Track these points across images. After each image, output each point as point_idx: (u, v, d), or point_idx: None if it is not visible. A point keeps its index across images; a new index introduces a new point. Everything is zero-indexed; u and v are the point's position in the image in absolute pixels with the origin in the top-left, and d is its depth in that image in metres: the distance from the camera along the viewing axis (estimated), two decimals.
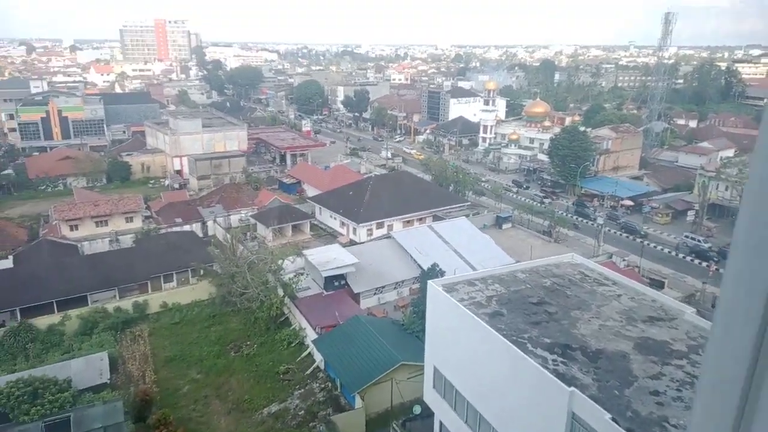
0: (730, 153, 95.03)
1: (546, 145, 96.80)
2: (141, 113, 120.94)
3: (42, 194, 79.89)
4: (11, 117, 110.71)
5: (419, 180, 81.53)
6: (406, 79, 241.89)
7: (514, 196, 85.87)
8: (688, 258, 59.95)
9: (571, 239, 64.53)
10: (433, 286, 31.28)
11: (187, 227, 64.31)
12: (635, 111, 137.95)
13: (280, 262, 48.15)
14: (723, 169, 74.52)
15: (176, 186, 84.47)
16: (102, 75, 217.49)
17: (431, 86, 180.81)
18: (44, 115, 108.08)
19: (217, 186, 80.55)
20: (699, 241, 61.86)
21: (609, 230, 66.46)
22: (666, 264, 57.39)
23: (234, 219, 67.87)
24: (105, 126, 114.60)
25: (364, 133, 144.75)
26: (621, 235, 67.35)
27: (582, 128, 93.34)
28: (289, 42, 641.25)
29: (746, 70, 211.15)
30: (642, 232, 66.95)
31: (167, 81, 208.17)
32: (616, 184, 78.65)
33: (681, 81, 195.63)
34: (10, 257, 51.08)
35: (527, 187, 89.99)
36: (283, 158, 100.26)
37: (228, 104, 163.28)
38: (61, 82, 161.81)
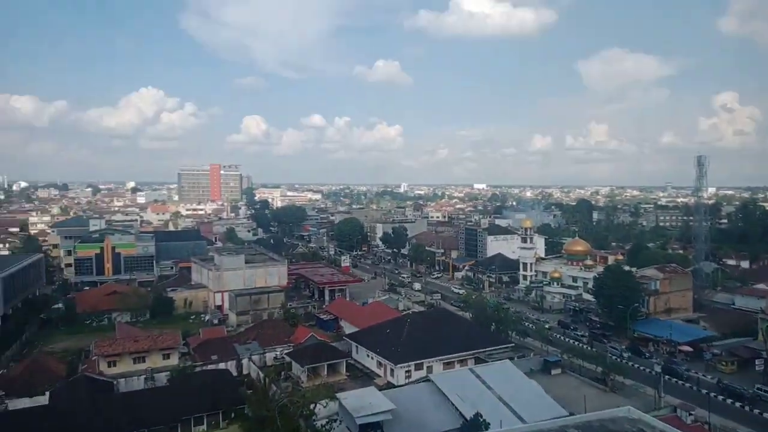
0: None
1: (590, 284, 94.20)
2: (189, 250, 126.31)
3: (87, 329, 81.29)
4: (69, 253, 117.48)
5: (459, 318, 79.35)
6: (444, 217, 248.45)
7: (561, 338, 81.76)
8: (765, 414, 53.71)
9: (627, 388, 59.45)
10: None
11: (222, 365, 63.06)
12: (680, 251, 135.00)
13: (312, 406, 45.70)
14: None
15: (215, 322, 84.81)
16: (158, 214, 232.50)
17: (468, 223, 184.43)
18: (99, 251, 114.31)
19: (255, 322, 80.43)
20: None
21: (670, 379, 61.21)
22: (740, 421, 51.43)
23: (269, 357, 66.43)
24: (155, 262, 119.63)
25: (403, 269, 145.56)
26: (684, 385, 61.72)
27: (626, 268, 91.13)
28: (332, 183, 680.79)
29: None
30: (746, 395, 57.12)
31: (217, 219, 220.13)
32: (671, 327, 74.18)
33: (725, 221, 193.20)
34: (47, 393, 50.59)
35: (575, 329, 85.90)
36: (321, 294, 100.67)
37: (272, 241, 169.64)
38: (119, 221, 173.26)
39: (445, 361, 64.08)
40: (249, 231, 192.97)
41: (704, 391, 56.90)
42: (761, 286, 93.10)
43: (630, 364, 68.06)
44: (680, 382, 62.12)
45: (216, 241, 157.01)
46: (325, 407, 47.58)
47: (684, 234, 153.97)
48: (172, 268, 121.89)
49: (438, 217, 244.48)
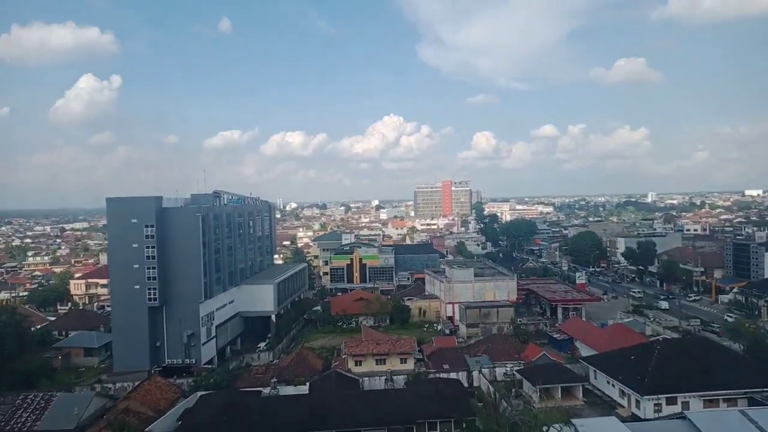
0: None
1: None
2: (423, 262, 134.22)
3: (338, 329, 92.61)
4: (326, 263, 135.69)
5: (725, 349, 66.67)
6: (704, 230, 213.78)
7: None
8: None
9: None
10: None
11: (453, 375, 64.77)
12: None
13: (546, 429, 43.47)
14: None
15: (447, 332, 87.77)
16: (397, 229, 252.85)
17: (738, 237, 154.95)
18: (349, 262, 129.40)
19: (484, 335, 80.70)
20: None
21: None
22: None
23: (499, 371, 65.67)
24: (394, 272, 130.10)
25: (649, 289, 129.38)
26: None
27: None
28: (566, 195, 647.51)
29: None
30: None
31: (448, 233, 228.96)
32: None
33: None
34: (307, 384, 58.99)
35: None
36: (553, 311, 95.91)
37: (501, 255, 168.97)
38: (365, 235, 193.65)
39: (707, 398, 54.49)
40: (478, 245, 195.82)
41: None
42: None
43: None
44: None
45: (447, 254, 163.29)
46: (558, 431, 44.91)
47: None
48: (408, 278, 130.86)
49: (695, 230, 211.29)
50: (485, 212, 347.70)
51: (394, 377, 63.72)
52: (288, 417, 49.60)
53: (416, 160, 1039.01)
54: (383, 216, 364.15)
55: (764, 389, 54.40)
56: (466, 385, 63.11)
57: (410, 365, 68.63)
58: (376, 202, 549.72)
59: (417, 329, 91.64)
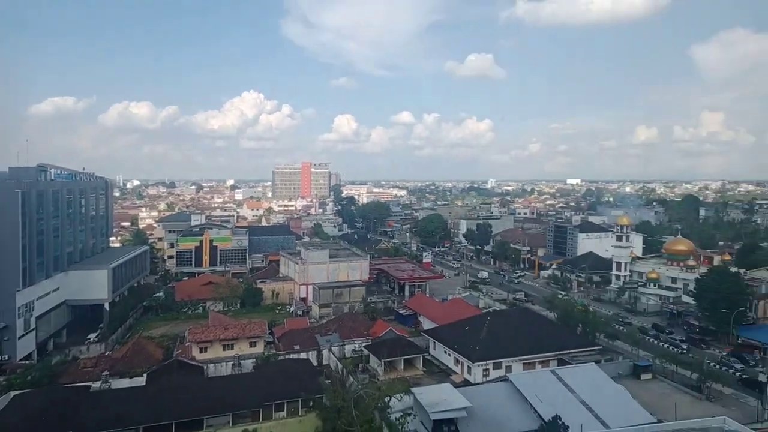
0: None
1: (691, 286, 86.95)
2: (279, 244, 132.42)
3: (183, 316, 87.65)
4: (171, 246, 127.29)
5: (543, 318, 76.42)
6: (532, 213, 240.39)
7: (654, 341, 76.23)
8: None
9: (726, 398, 54.24)
10: None
11: (304, 355, 65.38)
12: None
13: (387, 399, 46.05)
14: None
15: (299, 313, 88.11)
16: (252, 210, 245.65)
17: (558, 220, 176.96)
18: (198, 244, 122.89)
19: (336, 314, 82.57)
20: None
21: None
22: None
23: (348, 349, 67.90)
24: (247, 255, 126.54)
25: (486, 266, 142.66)
26: None
27: (734, 269, 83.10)
28: (419, 179, 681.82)
29: None
30: None
31: (306, 215, 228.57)
32: None
33: None
34: (144, 375, 55.18)
35: (670, 332, 79.74)
36: (401, 289, 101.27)
37: (356, 236, 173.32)
38: (217, 216, 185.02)
39: (526, 361, 62.07)
40: (335, 226, 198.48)
41: None
42: None
43: (729, 370, 62.21)
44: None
45: (304, 235, 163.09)
46: (399, 401, 47.82)
47: None
48: (262, 260, 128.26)
49: (526, 214, 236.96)
50: (343, 194, 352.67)
51: (242, 362, 62.47)
52: (122, 411, 46.07)
53: (276, 140, 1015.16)
54: (239, 196, 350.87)
55: (571, 351, 63.43)
56: (316, 364, 64.12)
57: (260, 348, 67.74)
58: (231, 182, 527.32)
59: (269, 312, 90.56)
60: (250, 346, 67.66)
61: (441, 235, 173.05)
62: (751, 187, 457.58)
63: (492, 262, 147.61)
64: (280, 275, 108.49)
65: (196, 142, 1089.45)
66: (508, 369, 60.26)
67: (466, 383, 57.27)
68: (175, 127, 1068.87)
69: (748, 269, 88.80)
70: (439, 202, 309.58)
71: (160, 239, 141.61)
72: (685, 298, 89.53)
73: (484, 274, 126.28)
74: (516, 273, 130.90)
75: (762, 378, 54.14)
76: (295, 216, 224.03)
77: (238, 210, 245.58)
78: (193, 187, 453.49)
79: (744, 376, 60.01)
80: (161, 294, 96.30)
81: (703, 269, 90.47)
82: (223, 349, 66.14)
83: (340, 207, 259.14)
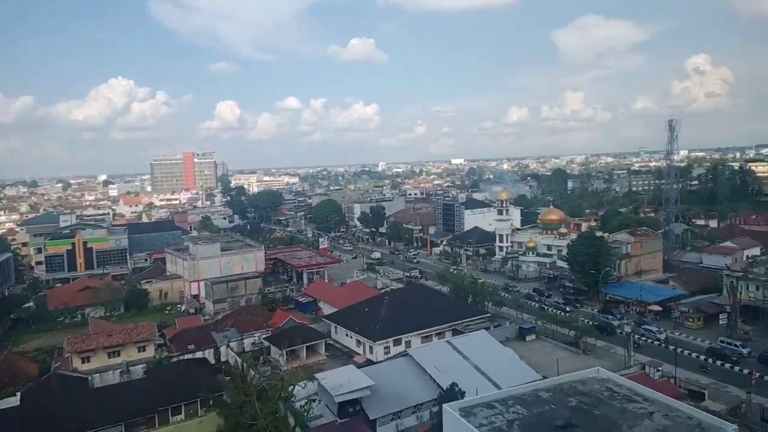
0: (756, 251, 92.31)
1: (564, 252, 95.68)
2: (164, 241, 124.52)
3: (60, 326, 79.88)
4: (39, 251, 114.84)
5: (437, 293, 79.97)
6: (422, 194, 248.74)
7: (536, 305, 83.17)
8: (728, 365, 55.63)
9: (600, 350, 60.88)
10: (449, 410, 29.08)
11: (199, 354, 62.62)
12: (652, 214, 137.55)
13: (291, 388, 45.78)
14: (750, 269, 71.79)
15: (192, 311, 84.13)
16: (130, 206, 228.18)
17: (446, 199, 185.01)
18: (70, 247, 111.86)
19: (232, 309, 80.00)
20: (736, 345, 57.83)
21: (640, 338, 62.85)
22: (704, 373, 53.21)
23: (247, 343, 66.23)
24: (128, 255, 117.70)
25: (381, 248, 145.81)
26: (652, 342, 63.49)
27: (599, 233, 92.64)
28: (310, 165, 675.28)
29: (760, 169, 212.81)
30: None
31: (192, 208, 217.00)
32: (641, 289, 75.95)
33: (695, 182, 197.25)
34: (18, 394, 49.64)
35: (549, 295, 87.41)
36: (300, 277, 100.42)
37: (248, 227, 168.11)
38: (90, 215, 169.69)
39: (423, 335, 64.67)
40: (225, 218, 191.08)
41: (671, 348, 58.57)
42: (727, 244, 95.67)
43: (600, 325, 69.77)
44: (649, 339, 63.92)
45: (191, 230, 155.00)
46: (303, 388, 47.73)
47: (656, 197, 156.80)
48: (146, 260, 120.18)
49: (416, 195, 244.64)
50: (232, 185, 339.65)
51: (132, 368, 58.53)
52: None
53: (152, 130, 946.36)
54: (113, 192, 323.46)
55: (464, 320, 67.15)
56: (213, 362, 61.83)
57: (150, 352, 63.82)
58: (103, 177, 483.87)
59: (158, 313, 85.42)
60: (139, 351, 63.52)
61: (336, 220, 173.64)
62: (609, 159, 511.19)
63: (387, 243, 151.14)
64: (168, 273, 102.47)
65: (58, 135, 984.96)
66: (408, 344, 62.45)
67: (369, 363, 58.47)
68: (33, 120, 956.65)
69: (610, 233, 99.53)
70: (332, 188, 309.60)
71: (24, 244, 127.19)
72: (560, 263, 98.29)
73: (378, 255, 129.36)
74: (410, 252, 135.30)
75: (627, 329, 61.24)
76: (181, 210, 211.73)
77: (113, 207, 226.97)
78: (60, 185, 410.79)
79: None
80: (31, 304, 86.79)
81: (574, 236, 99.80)
82: (109, 357, 61.40)
83: (229, 198, 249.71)
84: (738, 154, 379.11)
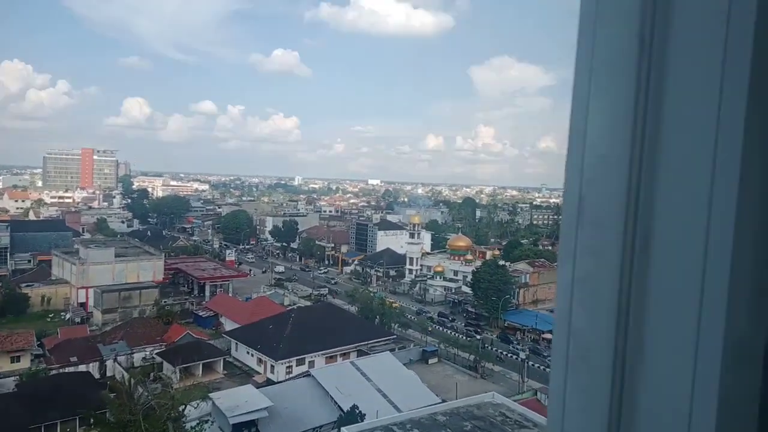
0: None
1: (469, 278, 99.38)
2: (52, 241, 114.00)
3: None
4: None
5: (344, 312, 79.77)
6: (337, 211, 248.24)
7: (440, 328, 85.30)
8: None
9: (496, 374, 63.48)
10: None
11: (83, 367, 57.75)
12: (550, 247, 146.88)
13: (182, 407, 43.26)
14: None
15: (77, 320, 77.47)
16: (16, 201, 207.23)
17: (360, 218, 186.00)
18: None
19: (123, 320, 74.66)
20: None
21: (533, 365, 66.32)
22: None
23: (138, 357, 62.01)
24: (8, 254, 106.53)
25: (292, 264, 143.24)
26: (545, 369, 67.20)
27: (501, 262, 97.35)
28: (223, 173, 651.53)
29: None
30: None
31: (87, 209, 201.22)
32: (536, 317, 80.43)
33: None
34: None
35: (453, 320, 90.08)
36: (202, 290, 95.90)
37: (149, 233, 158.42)
38: None
39: (328, 355, 64.06)
40: (123, 222, 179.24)
41: None
42: None
43: (498, 350, 72.96)
44: (542, 366, 67.67)
45: (84, 232, 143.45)
46: (195, 408, 45.32)
47: (553, 231, 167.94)
48: (29, 261, 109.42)
49: (331, 212, 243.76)
50: (134, 186, 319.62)
51: (2, 381, 52.69)
52: None
53: (49, 120, 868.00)
54: None
55: (369, 341, 67.36)
56: (98, 376, 57.23)
57: (26, 363, 57.90)
58: None
59: (39, 321, 77.53)
60: (12, 362, 57.49)
61: (246, 232, 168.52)
62: (515, 192, 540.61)
63: (298, 259, 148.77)
64: (53, 278, 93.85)
65: None
66: (311, 364, 61.50)
67: (269, 382, 56.84)
68: None
69: (512, 262, 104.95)
70: (244, 198, 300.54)
71: None
72: (465, 289, 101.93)
73: (282, 269, 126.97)
74: (320, 269, 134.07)
75: (522, 355, 64.39)
76: (74, 209, 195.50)
77: None
78: None
79: None
80: None
81: (479, 263, 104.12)
82: None
83: (130, 200, 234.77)
84: None
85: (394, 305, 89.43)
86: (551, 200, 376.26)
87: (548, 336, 77.36)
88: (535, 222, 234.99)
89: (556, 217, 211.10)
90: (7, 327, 70.55)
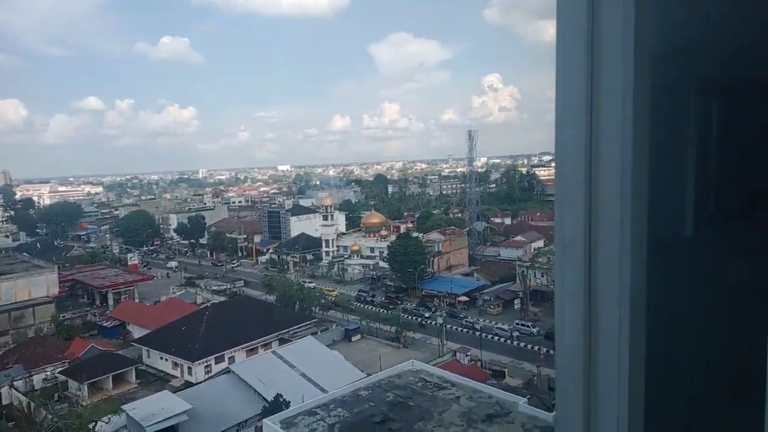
0: (541, 243, 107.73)
1: (385, 253, 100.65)
2: None
3: None
4: None
5: (262, 303, 77.99)
6: (247, 201, 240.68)
7: (361, 305, 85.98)
8: (522, 344, 63.84)
9: (418, 342, 65.16)
10: (269, 424, 28.26)
11: None
12: (459, 214, 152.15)
13: (92, 425, 40.43)
14: (536, 259, 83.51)
15: None
16: None
17: (272, 206, 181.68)
18: None
19: (17, 342, 68.08)
20: (528, 326, 66.71)
21: (451, 327, 68.80)
22: (504, 353, 60.28)
23: (38, 379, 56.93)
24: None
25: (203, 260, 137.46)
26: (462, 330, 70.04)
27: (415, 234, 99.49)
28: (117, 173, 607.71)
29: (542, 173, 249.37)
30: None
31: None
32: (451, 282, 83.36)
33: (493, 185, 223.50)
34: None
35: (373, 296, 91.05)
36: (104, 298, 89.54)
37: (38, 245, 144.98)
38: None
39: (249, 348, 62.42)
40: (8, 236, 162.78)
41: (477, 333, 65.35)
42: (518, 238, 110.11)
43: (418, 319, 75.00)
44: (459, 328, 70.51)
45: None
46: (107, 423, 42.58)
47: (461, 199, 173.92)
48: None
49: (240, 202, 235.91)
50: (17, 197, 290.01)
51: None
52: None
53: None
54: None
55: (291, 328, 66.42)
56: None
57: None
58: None
59: None
60: None
61: (149, 232, 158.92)
62: (424, 166, 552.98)
63: (209, 254, 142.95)
64: None
65: None
66: (231, 360, 59.61)
67: (188, 385, 54.52)
68: None
69: (425, 233, 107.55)
70: (143, 197, 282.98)
71: None
72: (383, 264, 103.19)
73: (175, 264, 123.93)
74: (234, 263, 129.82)
75: (439, 320, 66.48)
76: None
77: None
78: None
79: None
80: None
81: (393, 237, 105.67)
82: None
83: (13, 212, 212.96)
84: (526, 161, 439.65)
85: (332, 293, 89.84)
86: (458, 170, 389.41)
87: (463, 299, 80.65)
88: (444, 192, 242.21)
89: (463, 185, 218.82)
90: None
